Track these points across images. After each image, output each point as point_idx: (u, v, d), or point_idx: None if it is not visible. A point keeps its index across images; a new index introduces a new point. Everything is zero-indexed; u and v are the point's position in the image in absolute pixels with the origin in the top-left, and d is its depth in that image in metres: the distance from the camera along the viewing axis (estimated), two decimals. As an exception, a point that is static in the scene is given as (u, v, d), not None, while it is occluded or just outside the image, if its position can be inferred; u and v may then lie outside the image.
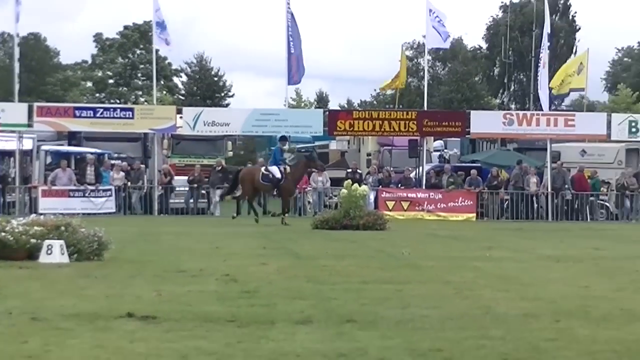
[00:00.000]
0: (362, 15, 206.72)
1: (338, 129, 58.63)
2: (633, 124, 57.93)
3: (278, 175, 45.62)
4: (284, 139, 48.94)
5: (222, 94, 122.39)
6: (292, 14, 57.09)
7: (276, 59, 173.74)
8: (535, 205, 56.20)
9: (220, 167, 58.49)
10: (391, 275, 23.29)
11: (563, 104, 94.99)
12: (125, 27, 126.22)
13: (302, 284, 21.08)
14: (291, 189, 47.23)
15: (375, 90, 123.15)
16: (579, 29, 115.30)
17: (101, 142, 61.78)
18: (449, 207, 51.41)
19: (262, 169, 47.57)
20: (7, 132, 57.05)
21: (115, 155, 61.27)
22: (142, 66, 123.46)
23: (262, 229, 40.65)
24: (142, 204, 56.39)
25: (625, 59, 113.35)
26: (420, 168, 58.31)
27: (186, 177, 58.29)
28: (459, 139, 66.89)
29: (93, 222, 27.15)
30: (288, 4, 56.96)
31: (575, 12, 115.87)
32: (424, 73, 73.79)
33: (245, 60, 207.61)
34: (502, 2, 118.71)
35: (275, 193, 48.07)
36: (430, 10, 58.05)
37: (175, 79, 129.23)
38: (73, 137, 62.44)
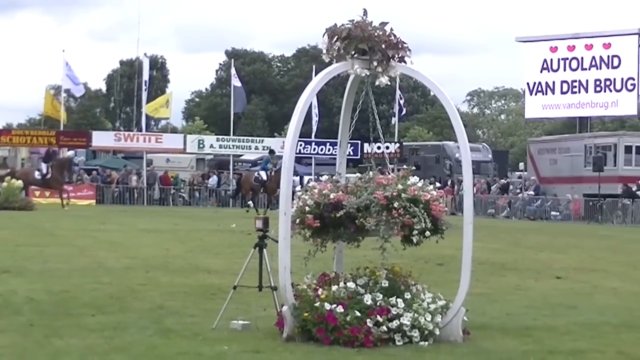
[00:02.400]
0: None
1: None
2: (201, 142, 60.08)
3: (264, 177, 44.46)
4: (272, 152, 45.27)
5: None
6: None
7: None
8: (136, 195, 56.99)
9: None
10: (37, 240, 23.00)
11: (157, 126, 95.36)
12: None
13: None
14: (274, 188, 43.62)
15: (28, 116, 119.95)
16: (169, 78, 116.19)
17: None
18: (77, 196, 51.12)
19: (255, 173, 46.67)
20: None
21: None
22: None
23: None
24: None
25: (197, 99, 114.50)
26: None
27: None
28: (85, 150, 66.71)
29: None
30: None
31: (168, 69, 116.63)
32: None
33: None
34: (120, 59, 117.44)
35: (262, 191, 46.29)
36: (66, 63, 58.17)
37: None
38: None
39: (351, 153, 51.49)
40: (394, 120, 64.40)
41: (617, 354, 9.93)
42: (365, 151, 55.17)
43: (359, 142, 53.94)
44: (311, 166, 59.32)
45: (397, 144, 59.66)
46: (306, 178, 44.82)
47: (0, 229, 27.19)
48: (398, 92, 60.63)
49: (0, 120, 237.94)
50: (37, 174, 45.32)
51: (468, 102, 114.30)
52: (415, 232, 10.04)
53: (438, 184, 10.72)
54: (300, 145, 55.51)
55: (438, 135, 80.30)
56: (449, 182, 54.33)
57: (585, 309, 13.26)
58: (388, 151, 50.81)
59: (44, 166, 45.36)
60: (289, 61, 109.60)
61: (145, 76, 63.03)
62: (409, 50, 10.59)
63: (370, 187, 10.22)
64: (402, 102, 62.95)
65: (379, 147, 23.79)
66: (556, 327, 11.50)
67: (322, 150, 58.43)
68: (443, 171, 60.48)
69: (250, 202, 45.59)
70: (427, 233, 10.11)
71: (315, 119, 59.39)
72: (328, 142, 56.74)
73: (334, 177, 10.83)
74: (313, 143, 59.08)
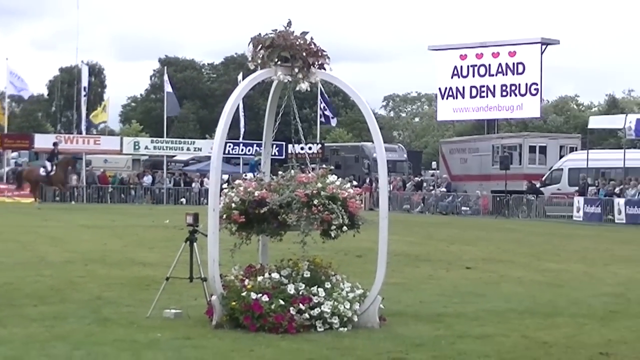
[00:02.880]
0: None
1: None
2: (136, 143, 59.75)
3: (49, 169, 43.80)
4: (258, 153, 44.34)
5: None
6: None
7: None
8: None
9: None
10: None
11: (96, 129, 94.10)
12: None
13: None
14: (59, 180, 43.77)
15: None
16: (106, 84, 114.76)
17: None
18: (21, 194, 50.24)
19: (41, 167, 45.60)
20: None
21: None
22: None
23: None
24: None
25: (133, 104, 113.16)
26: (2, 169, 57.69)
27: None
28: (27, 151, 65.62)
29: None
30: None
31: (105, 76, 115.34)
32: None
33: None
34: (60, 66, 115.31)
35: None
36: (10, 70, 57.15)
37: None
38: None
39: (276, 153, 51.39)
40: (333, 122, 64.02)
41: (521, 338, 10.04)
42: (289, 152, 55.08)
43: (284, 143, 53.82)
44: (239, 166, 59.07)
45: (319, 145, 59.63)
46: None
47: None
48: (325, 96, 60.48)
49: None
50: (42, 171, 44.45)
51: (384, 106, 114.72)
52: (334, 227, 10.07)
53: (355, 182, 10.77)
54: (229, 146, 55.42)
55: (357, 137, 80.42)
56: (367, 180, 54.43)
57: (492, 296, 13.41)
58: (310, 152, 50.81)
59: (48, 164, 44.47)
60: (218, 68, 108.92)
61: (85, 82, 62.78)
62: (328, 57, 10.63)
63: (292, 185, 10.24)
64: (331, 106, 62.76)
65: (302, 148, 23.83)
66: (465, 314, 11.60)
67: (249, 150, 58.24)
68: (362, 170, 60.49)
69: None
70: (345, 228, 10.15)
71: (242, 122, 59.27)
72: (255, 143, 56.47)
73: (257, 176, 10.83)
74: (241, 144, 58.93)
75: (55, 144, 47.36)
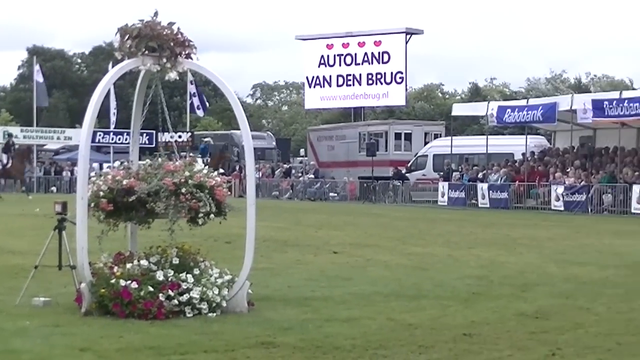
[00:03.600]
0: None
1: None
2: (6, 132, 58.13)
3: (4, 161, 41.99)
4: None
5: None
6: None
7: None
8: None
9: None
10: None
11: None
12: None
13: None
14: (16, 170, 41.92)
15: None
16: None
17: None
18: None
19: None
20: None
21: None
22: None
23: None
24: None
25: (1, 93, 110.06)
26: None
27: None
28: None
29: None
30: None
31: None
32: None
33: None
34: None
35: None
36: None
37: None
38: None
39: (146, 142, 50.86)
40: (200, 112, 63.29)
41: (387, 320, 10.18)
42: (159, 140, 54.50)
43: (154, 131, 53.23)
44: (109, 155, 58.18)
45: (189, 134, 59.19)
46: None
47: None
48: (195, 85, 59.93)
49: None
50: None
51: (252, 95, 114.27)
52: (201, 214, 10.13)
53: (222, 170, 10.82)
54: (99, 135, 54.58)
55: (227, 125, 79.91)
56: (237, 168, 54.31)
57: (359, 280, 13.55)
58: (180, 140, 50.43)
59: (4, 156, 42.61)
60: (87, 58, 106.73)
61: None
62: (195, 47, 10.69)
63: (159, 173, 10.24)
64: (202, 95, 62.12)
65: (171, 137, 23.69)
66: (333, 297, 11.72)
67: (119, 139, 57.28)
68: (231, 158, 60.34)
69: None
70: (212, 215, 10.22)
71: (113, 111, 58.38)
72: (125, 132, 55.63)
73: (125, 164, 10.79)
74: (111, 133, 57.96)
75: (10, 135, 46.00)
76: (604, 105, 36.14)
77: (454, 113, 48.37)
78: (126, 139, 53.94)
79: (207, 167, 10.64)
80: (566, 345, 8.92)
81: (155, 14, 10.51)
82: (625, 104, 35.44)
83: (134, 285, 9.93)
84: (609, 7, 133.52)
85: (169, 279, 10.13)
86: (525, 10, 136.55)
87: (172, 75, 10.51)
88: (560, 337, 9.30)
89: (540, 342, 9.07)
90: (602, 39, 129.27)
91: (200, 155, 37.68)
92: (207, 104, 62.52)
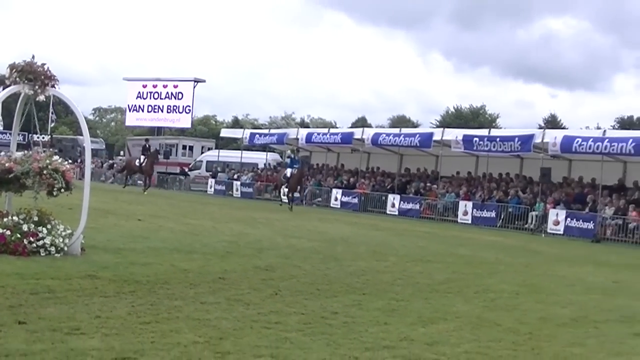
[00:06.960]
0: None
1: None
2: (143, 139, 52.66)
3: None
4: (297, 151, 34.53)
5: None
6: None
7: None
8: None
9: None
10: None
11: None
12: None
13: None
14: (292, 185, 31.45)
15: None
16: None
17: None
18: None
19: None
20: None
21: None
22: None
23: None
24: None
25: None
26: None
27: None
28: None
29: None
30: None
31: None
32: None
33: None
34: None
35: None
36: None
37: None
38: None
39: (22, 140, 47.97)
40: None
41: (170, 266, 9.75)
42: (31, 139, 51.49)
43: (27, 133, 50.36)
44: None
45: (50, 136, 56.27)
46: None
47: None
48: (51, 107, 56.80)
49: None
50: (137, 163, 36.98)
51: (93, 114, 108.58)
52: (55, 189, 10.00)
53: (70, 161, 10.83)
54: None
55: (75, 132, 75.70)
56: (78, 160, 52.24)
57: (153, 239, 12.88)
58: (44, 140, 47.92)
59: (142, 157, 36.63)
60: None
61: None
62: (58, 80, 10.46)
63: (30, 161, 10.12)
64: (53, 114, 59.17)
65: (38, 137, 22.82)
66: (136, 249, 11.18)
67: (4, 137, 53.90)
68: (76, 154, 57.97)
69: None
70: (63, 190, 10.09)
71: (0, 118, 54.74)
72: (8, 132, 51.83)
73: (7, 154, 10.70)
74: (-1, 133, 54.25)
75: (146, 140, 40.76)
76: (474, 140, 30.59)
77: (222, 135, 49.14)
78: (8, 137, 50.70)
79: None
80: (285, 288, 8.83)
81: (33, 57, 10.47)
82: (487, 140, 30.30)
83: (8, 233, 9.78)
84: (331, 68, 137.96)
85: (31, 230, 9.98)
86: (270, 70, 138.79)
87: (42, 98, 10.36)
88: (281, 283, 9.17)
89: (268, 285, 8.93)
90: (315, 92, 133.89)
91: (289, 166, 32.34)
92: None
